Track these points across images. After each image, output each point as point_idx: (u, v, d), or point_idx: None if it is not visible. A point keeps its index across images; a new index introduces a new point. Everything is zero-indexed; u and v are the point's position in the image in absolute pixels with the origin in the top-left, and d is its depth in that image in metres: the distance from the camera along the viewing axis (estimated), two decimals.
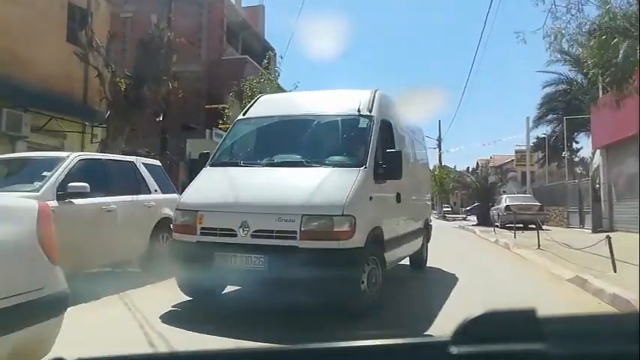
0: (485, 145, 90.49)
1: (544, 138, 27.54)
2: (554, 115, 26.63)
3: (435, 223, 31.86)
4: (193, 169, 18.46)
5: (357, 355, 0.72)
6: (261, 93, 17.57)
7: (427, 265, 7.98)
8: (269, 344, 0.86)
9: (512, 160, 40.27)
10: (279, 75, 20.44)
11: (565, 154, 24.44)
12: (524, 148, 36.87)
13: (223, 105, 18.39)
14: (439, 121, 46.45)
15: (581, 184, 19.04)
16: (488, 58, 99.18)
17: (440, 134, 46.01)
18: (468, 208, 47.68)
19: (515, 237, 14.26)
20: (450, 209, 53.09)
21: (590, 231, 16.69)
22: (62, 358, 0.77)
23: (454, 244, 13.55)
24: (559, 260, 8.82)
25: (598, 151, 17.56)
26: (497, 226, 19.05)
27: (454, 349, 0.65)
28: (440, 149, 45.80)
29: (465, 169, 33.57)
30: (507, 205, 19.56)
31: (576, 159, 27.80)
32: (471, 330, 0.66)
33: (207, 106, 17.94)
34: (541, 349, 0.64)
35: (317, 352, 0.74)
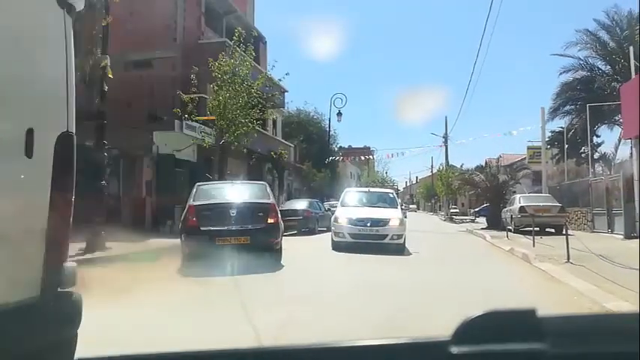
0: (494, 136, 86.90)
1: (560, 132, 24.85)
2: (573, 106, 23.98)
3: (442, 225, 29.47)
4: (161, 166, 15.90)
5: (357, 355, 0.72)
6: (234, 75, 15.31)
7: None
8: (269, 344, 0.44)
9: (524, 158, 37.58)
10: (273, 67, 17.98)
11: (587, 148, 21.77)
12: (537, 144, 34.21)
13: (200, 94, 15.85)
14: (445, 117, 43.96)
15: (608, 181, 16.40)
16: (496, 47, 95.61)
17: (446, 131, 43.65)
18: (476, 210, 45.11)
19: (533, 245, 11.68)
20: (457, 211, 50.70)
21: (621, 237, 14.07)
22: None
23: (458, 256, 11.01)
24: (605, 283, 6.28)
25: (623, 144, 15.00)
26: (510, 230, 16.44)
27: (454, 349, 0.65)
28: (447, 148, 43.44)
29: (474, 167, 30.72)
30: (522, 207, 16.95)
31: (596, 155, 25.04)
32: (471, 330, 0.66)
33: (186, 95, 15.39)
34: (541, 349, 0.64)
35: (317, 352, 0.74)
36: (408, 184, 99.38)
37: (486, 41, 56.57)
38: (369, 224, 10.48)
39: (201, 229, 7.44)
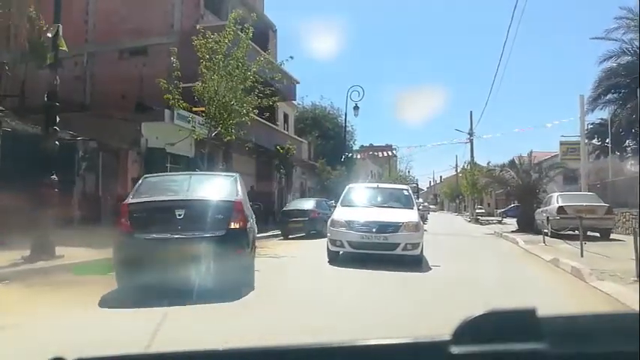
0: (524, 131, 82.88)
1: (601, 123, 22.29)
2: (616, 94, 21.41)
3: (467, 227, 27.06)
4: (150, 161, 14.23)
5: (357, 355, 0.71)
6: (225, 56, 13.47)
7: None
8: (269, 344, 0.77)
9: (556, 155, 34.94)
10: (269, 52, 16.15)
11: (632, 141, 19.25)
12: (571, 139, 31.48)
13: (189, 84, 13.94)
14: (470, 112, 41.45)
15: None
16: (524, 36, 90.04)
17: (471, 127, 41.11)
18: (503, 210, 42.56)
19: (582, 254, 9.48)
20: (483, 211, 48.31)
21: None
22: (62, 358, 0.74)
23: (491, 270, 8.80)
24: None
25: None
26: (546, 234, 14.17)
27: (454, 349, 0.65)
28: (472, 144, 40.89)
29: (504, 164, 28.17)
30: (561, 207, 14.67)
31: None
32: (471, 330, 0.66)
33: (163, 81, 13.50)
34: (541, 349, 0.64)
35: (317, 352, 0.74)
36: (432, 184, 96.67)
37: (513, 29, 53.65)
38: (374, 230, 8.18)
39: (136, 236, 5.37)
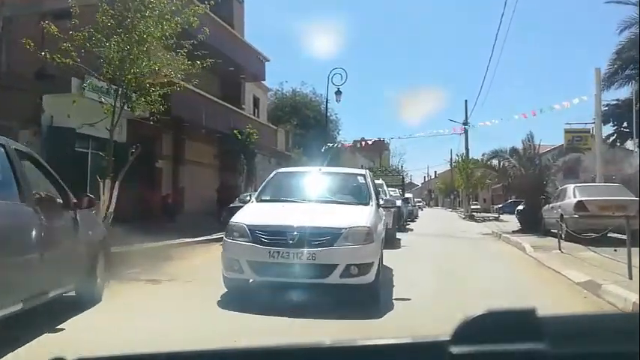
0: (525, 117, 79.16)
1: (617, 104, 19.06)
2: (635, 70, 18.23)
3: (461, 225, 23.68)
4: (54, 144, 10.70)
5: (357, 355, 0.71)
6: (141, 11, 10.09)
7: None
8: (269, 344, 0.73)
9: (561, 146, 31.86)
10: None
11: None
12: (577, 127, 28.40)
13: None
14: (465, 100, 38.25)
15: None
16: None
17: (466, 116, 37.92)
18: (499, 206, 39.61)
19: (630, 274, 6.26)
20: (478, 207, 45.54)
21: None
22: (63, 358, 0.73)
23: (485, 304, 5.39)
24: None
25: None
26: (560, 237, 10.93)
27: (454, 349, 0.65)
28: (467, 135, 37.74)
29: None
30: (580, 202, 11.46)
31: None
32: (471, 330, 0.66)
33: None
34: (541, 349, 0.64)
35: (317, 352, 0.73)
36: (427, 179, 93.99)
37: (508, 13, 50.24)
38: (292, 242, 4.65)
39: None
